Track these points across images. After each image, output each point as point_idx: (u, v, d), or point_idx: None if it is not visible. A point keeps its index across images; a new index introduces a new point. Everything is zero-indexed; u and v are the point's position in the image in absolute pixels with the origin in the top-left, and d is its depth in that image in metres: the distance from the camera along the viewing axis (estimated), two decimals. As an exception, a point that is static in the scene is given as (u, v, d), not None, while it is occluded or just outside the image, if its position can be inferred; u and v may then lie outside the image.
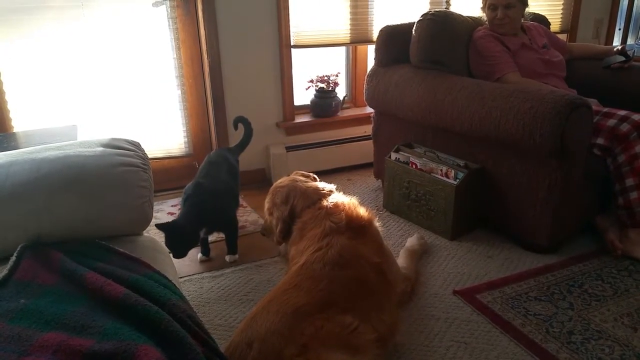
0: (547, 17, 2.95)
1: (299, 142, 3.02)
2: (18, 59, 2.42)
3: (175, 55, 2.74)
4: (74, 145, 1.36)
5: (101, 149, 1.30)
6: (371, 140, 2.82)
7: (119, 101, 2.68)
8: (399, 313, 1.64)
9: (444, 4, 3.22)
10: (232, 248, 2.11)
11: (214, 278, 1.99)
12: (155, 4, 2.61)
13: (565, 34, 3.69)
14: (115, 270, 1.06)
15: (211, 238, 2.18)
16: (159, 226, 1.81)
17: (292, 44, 2.85)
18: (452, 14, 2.46)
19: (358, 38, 3.03)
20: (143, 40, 2.64)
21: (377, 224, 1.69)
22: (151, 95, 2.75)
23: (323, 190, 1.74)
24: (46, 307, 0.93)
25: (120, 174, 1.25)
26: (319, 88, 3.04)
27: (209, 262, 2.13)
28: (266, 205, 1.85)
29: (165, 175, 2.84)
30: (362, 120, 3.14)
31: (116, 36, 2.57)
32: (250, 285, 1.93)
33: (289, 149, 2.95)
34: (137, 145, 1.38)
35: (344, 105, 3.23)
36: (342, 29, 2.96)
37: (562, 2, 3.61)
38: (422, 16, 2.38)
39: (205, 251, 2.14)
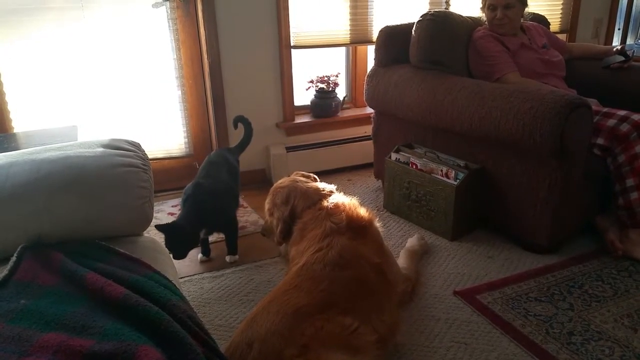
0: (547, 17, 2.95)
1: (299, 143, 3.02)
2: (18, 60, 2.42)
3: (175, 56, 2.74)
4: (74, 146, 1.36)
5: (101, 149, 1.30)
6: (371, 141, 2.82)
7: (119, 102, 2.68)
8: (400, 313, 1.64)
9: (444, 4, 3.22)
10: (232, 248, 2.11)
11: (215, 278, 1.99)
12: (155, 5, 2.61)
13: (565, 34, 3.69)
14: (115, 270, 1.06)
15: (211, 238, 2.18)
16: (159, 227, 1.81)
17: (292, 44, 2.85)
18: (452, 14, 2.46)
19: (358, 38, 3.03)
20: (143, 41, 2.64)
21: (377, 224, 1.69)
22: (151, 96, 2.75)
23: (323, 190, 1.74)
24: (46, 307, 0.93)
25: (120, 174, 1.25)
26: (319, 88, 3.04)
27: (209, 262, 2.13)
28: (266, 206, 1.85)
29: (166, 175, 2.84)
30: (362, 120, 3.14)
31: (116, 37, 2.57)
32: (250, 286, 1.93)
33: (289, 149, 2.96)
34: (137, 145, 1.38)
35: (344, 106, 3.23)
36: (342, 29, 2.97)
37: (561, 2, 3.61)
38: (421, 16, 2.38)
39: (206, 251, 2.14)
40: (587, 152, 2.01)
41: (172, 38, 2.70)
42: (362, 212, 1.66)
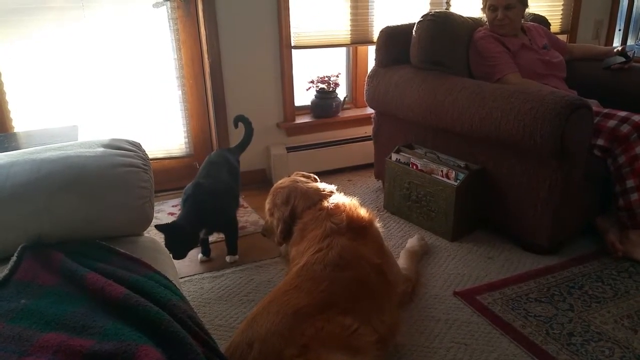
0: (547, 17, 2.95)
1: (299, 143, 3.02)
2: (19, 60, 2.42)
3: (175, 56, 2.74)
4: (75, 146, 1.36)
5: (102, 149, 1.30)
6: (372, 141, 2.82)
7: (119, 102, 2.68)
8: (400, 314, 1.64)
9: (445, 4, 3.22)
10: (232, 249, 2.11)
11: (215, 278, 1.99)
12: (155, 5, 2.61)
13: (565, 35, 3.69)
14: (115, 270, 1.06)
15: (212, 238, 2.18)
16: (158, 227, 1.81)
17: (292, 44, 2.85)
18: (453, 14, 2.46)
19: (358, 39, 3.03)
20: (144, 41, 2.64)
21: (377, 225, 1.69)
22: (152, 96, 2.75)
23: (324, 191, 1.74)
24: (47, 307, 0.93)
25: (120, 174, 1.25)
26: (320, 89, 3.04)
27: (209, 262, 2.13)
28: (267, 206, 1.85)
29: (166, 175, 2.84)
30: (363, 120, 3.14)
31: (117, 37, 2.57)
32: (250, 286, 1.93)
33: (290, 149, 2.96)
34: (137, 145, 1.38)
35: (345, 106, 3.23)
36: (343, 29, 2.97)
37: (562, 3, 3.61)
38: (422, 17, 2.38)
39: (206, 252, 2.14)
40: (588, 153, 2.01)
41: (173, 38, 2.70)
42: (363, 212, 1.66)
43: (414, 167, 2.33)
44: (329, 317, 1.27)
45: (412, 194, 2.36)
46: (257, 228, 2.37)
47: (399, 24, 2.58)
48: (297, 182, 1.80)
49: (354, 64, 3.23)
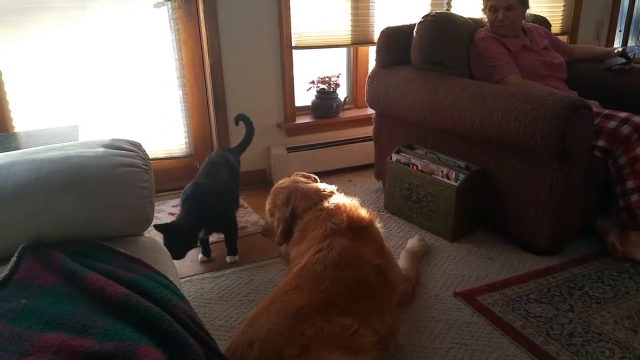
0: (548, 18, 2.95)
1: (299, 143, 3.02)
2: (19, 60, 2.42)
3: (176, 56, 2.74)
4: (75, 146, 1.36)
5: (102, 149, 1.30)
6: (372, 142, 2.82)
7: (120, 102, 2.68)
8: (400, 314, 1.64)
9: (445, 5, 3.22)
10: (232, 249, 2.11)
11: (215, 279, 1.99)
12: (156, 5, 2.61)
13: (566, 36, 3.69)
14: (116, 270, 1.06)
15: (212, 239, 2.18)
16: (158, 227, 1.81)
17: (293, 45, 2.85)
18: (453, 15, 2.46)
19: (359, 39, 3.03)
20: (144, 41, 2.64)
21: (378, 225, 1.69)
22: (152, 96, 2.75)
23: (324, 191, 1.74)
24: (47, 307, 0.93)
25: (121, 174, 1.25)
26: (320, 89, 3.04)
27: (209, 262, 2.13)
28: (267, 206, 1.85)
29: (166, 175, 2.84)
30: (363, 121, 3.14)
31: (117, 37, 2.57)
32: (251, 286, 1.93)
33: (290, 149, 2.96)
34: (138, 145, 1.38)
35: (345, 107, 3.23)
36: (343, 30, 2.97)
37: (562, 4, 3.61)
38: (423, 18, 2.38)
39: (206, 252, 2.14)
40: (588, 154, 2.01)
41: (174, 38, 2.70)
42: (363, 213, 1.65)
43: (415, 167, 2.33)
44: (329, 317, 1.27)
45: (412, 195, 2.35)
46: (258, 228, 2.37)
47: (400, 24, 2.58)
48: (298, 182, 1.80)
49: (355, 65, 3.23)
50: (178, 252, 1.86)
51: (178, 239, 1.86)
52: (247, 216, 2.56)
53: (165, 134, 2.86)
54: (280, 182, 1.86)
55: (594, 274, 1.96)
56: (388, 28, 2.57)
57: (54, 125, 2.41)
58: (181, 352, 0.86)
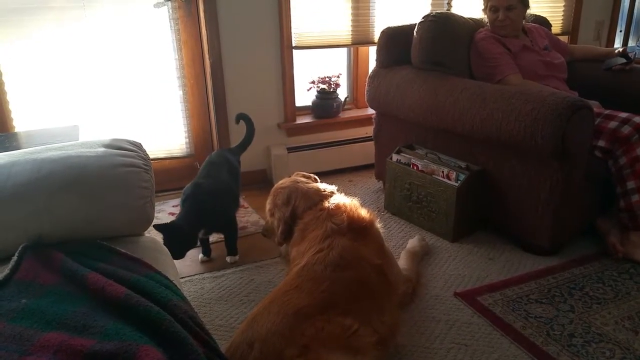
0: (548, 18, 2.95)
1: (300, 143, 3.02)
2: (20, 59, 2.43)
3: (176, 56, 2.74)
4: (76, 146, 1.36)
5: (102, 149, 1.30)
6: (372, 142, 2.82)
7: (120, 102, 2.68)
8: (400, 314, 1.64)
9: (446, 5, 3.22)
10: (231, 249, 2.11)
11: (215, 279, 1.99)
12: (156, 5, 2.61)
13: (567, 36, 3.69)
14: (116, 270, 1.06)
15: (212, 239, 2.18)
16: (157, 227, 1.81)
17: (293, 45, 2.85)
18: (454, 15, 2.46)
19: (359, 39, 3.03)
20: (145, 41, 2.64)
21: (378, 225, 1.69)
22: (153, 96, 2.76)
23: (324, 191, 1.74)
24: (47, 307, 0.93)
25: (121, 174, 1.25)
26: (320, 89, 3.04)
27: (210, 262, 2.13)
28: (267, 206, 1.85)
29: (167, 175, 2.84)
30: (364, 121, 3.14)
31: (118, 37, 2.57)
32: (251, 286, 1.93)
33: (290, 149, 2.96)
34: (138, 145, 1.38)
35: (345, 107, 3.23)
36: (344, 30, 2.97)
37: (563, 4, 3.61)
38: (423, 18, 2.38)
39: (206, 252, 2.14)
40: (589, 154, 2.01)
41: (174, 38, 2.70)
42: (363, 213, 1.65)
43: (415, 167, 2.33)
44: (329, 317, 1.27)
45: (412, 195, 2.35)
46: (258, 228, 2.37)
47: (400, 24, 2.58)
48: (298, 182, 1.79)
49: (355, 65, 3.23)
50: (178, 252, 1.86)
51: (178, 239, 1.86)
52: (248, 216, 2.56)
53: (166, 134, 2.86)
54: (281, 182, 1.86)
55: (594, 274, 1.96)
56: (388, 28, 2.57)
57: (54, 125, 2.41)
58: (182, 351, 0.86)
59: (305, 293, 1.33)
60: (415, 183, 2.32)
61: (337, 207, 1.63)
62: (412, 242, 2.14)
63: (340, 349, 1.23)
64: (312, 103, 3.08)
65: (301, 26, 2.85)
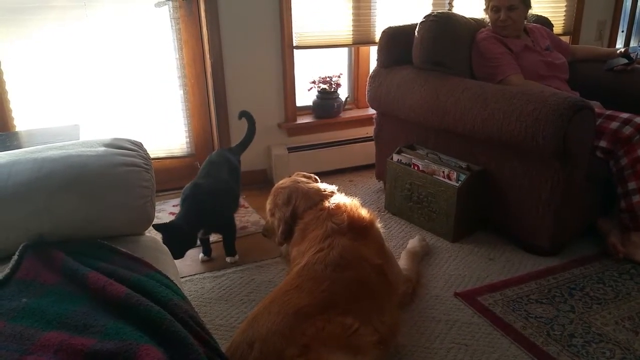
0: (550, 19, 2.94)
1: (300, 143, 3.02)
2: (21, 59, 2.43)
3: (177, 56, 2.74)
4: (76, 145, 1.36)
5: (103, 148, 1.30)
6: (373, 142, 2.82)
7: (121, 101, 2.68)
8: (400, 314, 1.64)
9: (447, 5, 3.22)
10: (229, 250, 2.11)
11: (216, 278, 1.99)
12: (157, 4, 2.61)
13: (568, 36, 3.69)
14: (117, 270, 1.06)
15: (213, 238, 2.18)
16: (157, 227, 1.81)
17: (294, 44, 2.85)
18: (455, 15, 2.46)
19: (360, 39, 3.03)
20: (145, 40, 2.64)
21: (378, 225, 1.69)
22: (153, 96, 2.76)
23: (325, 191, 1.74)
24: (48, 306, 0.93)
25: (122, 174, 1.25)
26: (321, 89, 3.04)
27: (210, 262, 2.13)
28: (268, 206, 1.85)
29: (167, 175, 2.84)
30: (364, 121, 3.14)
31: (119, 36, 2.57)
32: (251, 286, 1.93)
33: (291, 149, 2.96)
34: (139, 145, 1.38)
35: (346, 107, 3.23)
36: (345, 30, 2.97)
37: (565, 4, 3.61)
38: (424, 18, 2.38)
39: (207, 251, 2.14)
40: (590, 155, 2.01)
41: (175, 37, 2.70)
42: (364, 213, 1.65)
43: (416, 167, 2.33)
44: (329, 317, 1.27)
45: (413, 195, 2.35)
46: (258, 228, 2.37)
47: (401, 24, 2.58)
48: (298, 182, 1.79)
49: (356, 65, 3.23)
50: (177, 252, 1.85)
51: (177, 238, 1.86)
52: (248, 216, 2.56)
53: (166, 133, 2.86)
54: (281, 182, 1.86)
55: (594, 274, 1.96)
56: (389, 28, 2.56)
57: (55, 124, 2.41)
58: (182, 351, 0.86)
59: (305, 293, 1.33)
60: (415, 183, 2.32)
61: (338, 207, 1.63)
62: (413, 242, 2.14)
63: (341, 349, 1.23)
64: (313, 103, 3.08)
65: (302, 26, 2.84)
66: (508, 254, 2.12)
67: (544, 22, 2.84)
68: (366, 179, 3.03)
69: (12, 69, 2.43)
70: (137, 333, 0.85)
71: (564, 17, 3.64)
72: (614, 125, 2.05)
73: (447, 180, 2.18)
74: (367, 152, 3.03)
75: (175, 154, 2.92)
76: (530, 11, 2.45)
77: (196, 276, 2.01)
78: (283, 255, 2.06)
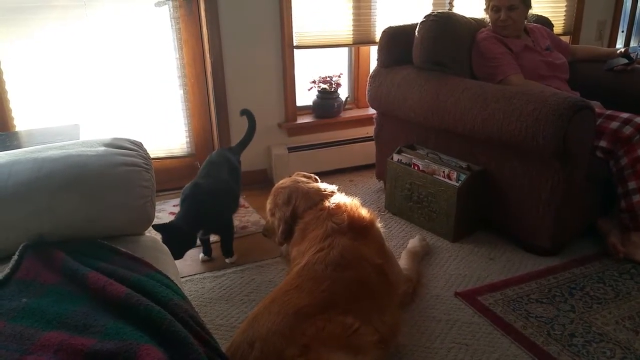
0: (550, 19, 2.94)
1: (300, 143, 3.02)
2: (21, 58, 2.42)
3: (177, 55, 2.74)
4: (76, 145, 1.36)
5: (103, 148, 1.30)
6: (373, 142, 2.82)
7: (121, 101, 2.68)
8: (401, 314, 1.64)
9: (447, 5, 3.22)
10: (227, 251, 2.10)
11: (216, 278, 1.99)
12: (157, 4, 2.61)
13: (568, 36, 3.68)
14: (117, 270, 1.06)
15: (213, 238, 2.18)
16: (156, 227, 1.80)
17: (294, 44, 2.85)
18: (455, 15, 2.46)
19: (361, 39, 3.03)
20: (145, 40, 2.64)
21: (378, 225, 1.69)
22: (153, 95, 2.75)
23: (325, 191, 1.74)
24: (48, 306, 0.93)
25: (122, 173, 1.25)
26: (321, 89, 3.03)
27: (210, 262, 2.13)
28: (268, 206, 1.85)
29: (167, 175, 2.84)
30: (365, 121, 3.14)
31: (119, 36, 2.57)
32: (251, 286, 1.93)
33: (291, 149, 2.95)
34: (139, 145, 1.38)
35: (346, 106, 3.23)
36: (345, 29, 2.97)
37: (565, 4, 3.61)
38: (425, 17, 2.38)
39: (207, 251, 2.14)
40: (590, 155, 2.01)
41: (175, 37, 2.70)
42: (364, 212, 1.65)
43: (416, 167, 2.33)
44: (330, 316, 1.27)
45: (413, 195, 2.35)
46: (258, 228, 2.37)
47: (402, 24, 2.58)
48: (298, 182, 1.79)
49: (356, 64, 3.23)
50: (177, 252, 1.85)
51: (176, 239, 1.85)
52: (248, 216, 2.56)
53: (166, 133, 2.86)
54: (281, 182, 1.86)
55: (595, 274, 1.96)
56: (390, 28, 2.56)
57: (55, 124, 2.41)
58: (182, 351, 0.86)
59: (305, 292, 1.33)
60: (416, 183, 2.32)
61: (338, 206, 1.63)
62: (413, 242, 2.14)
63: (341, 349, 1.23)
64: (313, 103, 3.08)
65: (302, 26, 2.84)
66: (508, 254, 2.12)
67: (544, 22, 2.84)
68: (366, 178, 3.03)
69: (12, 69, 2.42)
70: (137, 333, 0.85)
71: (564, 17, 3.64)
72: (614, 125, 2.05)
73: (447, 180, 2.18)
74: (367, 152, 3.03)
75: (175, 154, 2.92)
76: (530, 11, 2.45)
77: (196, 276, 2.01)
78: (283, 255, 2.06)
